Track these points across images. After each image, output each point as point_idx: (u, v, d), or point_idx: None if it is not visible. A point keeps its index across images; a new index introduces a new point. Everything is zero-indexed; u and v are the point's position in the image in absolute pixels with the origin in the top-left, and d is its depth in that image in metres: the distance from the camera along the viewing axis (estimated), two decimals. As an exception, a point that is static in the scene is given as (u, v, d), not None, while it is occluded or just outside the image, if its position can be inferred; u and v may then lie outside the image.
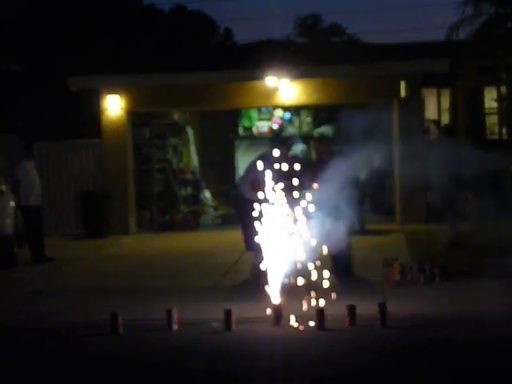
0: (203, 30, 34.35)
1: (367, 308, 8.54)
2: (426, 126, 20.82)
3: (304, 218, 9.34)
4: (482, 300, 9.52)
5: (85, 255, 15.02)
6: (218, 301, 9.65)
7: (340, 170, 11.72)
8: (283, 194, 9.30)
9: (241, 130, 21.40)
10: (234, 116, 21.30)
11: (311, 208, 9.44)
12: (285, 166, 9.77)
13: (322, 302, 8.59)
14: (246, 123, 21.28)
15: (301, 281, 9.03)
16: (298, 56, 19.00)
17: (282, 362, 7.25)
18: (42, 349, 8.15)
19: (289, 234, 9.18)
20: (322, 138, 13.80)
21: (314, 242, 9.30)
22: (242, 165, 17.34)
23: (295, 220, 9.28)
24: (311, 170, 12.04)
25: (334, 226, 10.52)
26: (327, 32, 41.04)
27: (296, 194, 9.43)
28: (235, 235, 12.84)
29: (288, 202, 9.29)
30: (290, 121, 21.27)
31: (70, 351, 8.00)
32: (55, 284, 12.06)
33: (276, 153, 11.26)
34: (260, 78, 17.50)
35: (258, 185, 11.10)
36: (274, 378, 6.89)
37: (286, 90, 17.75)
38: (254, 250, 11.07)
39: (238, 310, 8.65)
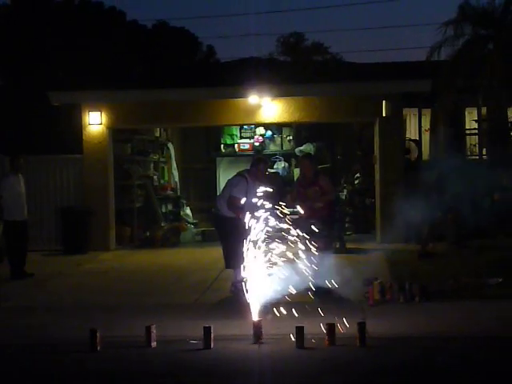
0: (186, 47, 34.43)
1: (347, 327, 8.54)
2: (407, 145, 20.93)
3: (284, 236, 9.38)
4: (461, 320, 9.56)
5: (64, 271, 14.93)
6: (198, 318, 9.62)
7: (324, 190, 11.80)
8: (263, 211, 9.33)
9: (222, 147, 21.43)
10: (216, 133, 21.35)
11: (292, 226, 9.49)
12: (264, 184, 9.81)
13: (301, 321, 8.59)
14: (228, 140, 21.32)
15: (281, 298, 9.07)
16: (281, 74, 19.05)
17: (261, 381, 7.24)
18: (19, 365, 8.09)
19: (269, 252, 9.21)
20: (307, 157, 13.85)
21: (294, 260, 9.34)
22: (223, 182, 17.32)
23: (275, 238, 9.31)
24: (295, 188, 12.09)
25: (316, 243, 10.55)
26: (310, 50, 41.19)
27: (275, 212, 9.45)
28: (215, 252, 12.85)
29: (267, 218, 9.32)
30: (272, 139, 21.33)
31: (47, 368, 7.95)
32: (34, 300, 11.97)
33: (256, 171, 11.34)
34: (242, 95, 17.52)
35: (236, 202, 11.17)
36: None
37: (268, 107, 17.78)
38: (234, 267, 11.09)
39: (218, 328, 8.63)
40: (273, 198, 9.82)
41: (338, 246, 15.25)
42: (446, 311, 10.08)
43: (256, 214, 9.30)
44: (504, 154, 18.40)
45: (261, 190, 9.79)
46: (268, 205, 9.46)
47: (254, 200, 9.60)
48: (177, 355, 8.26)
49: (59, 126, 21.54)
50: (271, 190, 10.18)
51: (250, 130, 21.16)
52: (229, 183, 11.88)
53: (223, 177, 19.43)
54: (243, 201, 10.87)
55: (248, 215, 9.34)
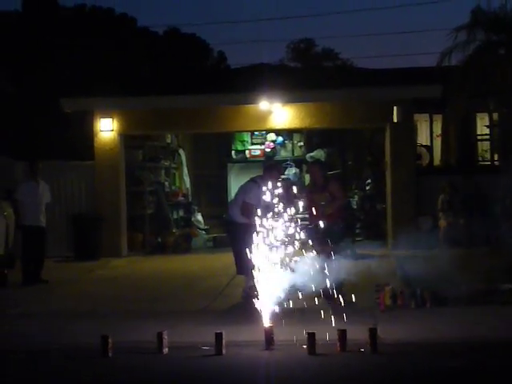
0: (197, 53, 34.48)
1: (358, 333, 8.53)
2: (419, 151, 20.91)
3: (295, 242, 9.39)
4: (473, 326, 9.54)
5: (76, 277, 14.98)
6: (209, 324, 9.62)
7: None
8: (274, 217, 9.34)
9: (234, 154, 21.43)
10: (227, 139, 21.35)
11: (303, 232, 9.50)
12: (276, 190, 9.81)
13: (312, 326, 8.58)
14: (239, 146, 21.32)
15: (292, 304, 9.07)
16: (291, 80, 19.04)
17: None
18: (30, 371, 8.11)
19: (280, 257, 9.22)
20: (317, 162, 13.84)
21: (305, 266, 9.34)
22: (234, 188, 17.35)
23: (287, 243, 9.32)
24: (305, 194, 12.08)
25: (326, 249, 10.55)
26: (320, 56, 41.23)
27: (287, 217, 9.45)
28: (227, 258, 12.85)
29: (279, 224, 9.33)
30: (283, 145, 21.33)
31: (59, 374, 7.97)
32: (45, 306, 12.00)
33: (268, 177, 11.34)
34: (253, 101, 17.55)
35: (249, 208, 11.16)
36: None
37: (278, 113, 17.80)
38: (246, 274, 11.09)
39: (229, 334, 8.62)
40: (285, 203, 9.81)
41: (348, 251, 15.21)
42: (458, 317, 10.05)
43: (268, 219, 9.29)
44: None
45: (274, 195, 9.77)
46: (280, 210, 9.46)
47: (267, 206, 9.59)
48: (188, 361, 8.27)
49: (71, 131, 21.61)
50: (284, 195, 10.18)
51: (261, 136, 21.16)
52: (241, 189, 11.88)
53: (234, 183, 19.43)
54: (256, 206, 10.87)
55: (260, 221, 9.33)
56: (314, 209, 11.42)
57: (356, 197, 19.70)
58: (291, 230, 9.39)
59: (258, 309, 9.08)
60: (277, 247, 9.19)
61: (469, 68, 19.71)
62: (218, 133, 19.86)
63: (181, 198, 20.89)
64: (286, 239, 9.31)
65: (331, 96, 17.71)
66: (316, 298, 10.47)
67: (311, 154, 20.47)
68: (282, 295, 9.09)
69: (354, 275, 11.13)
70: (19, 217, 14.19)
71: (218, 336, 8.43)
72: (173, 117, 18.07)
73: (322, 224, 10.95)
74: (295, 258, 9.32)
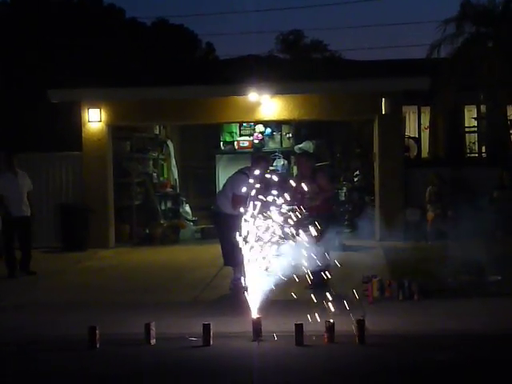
0: (185, 44, 34.39)
1: (346, 324, 8.55)
2: (407, 143, 20.94)
3: (284, 234, 9.37)
4: (460, 318, 9.56)
5: (63, 268, 14.94)
6: (197, 315, 9.62)
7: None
8: (263, 208, 9.32)
9: (222, 145, 21.40)
10: (216, 130, 21.31)
11: (291, 223, 9.49)
12: (265, 182, 9.80)
13: (300, 318, 8.59)
14: (227, 138, 21.29)
15: (280, 295, 9.08)
16: (280, 72, 19.02)
17: (260, 378, 7.24)
18: (17, 363, 8.09)
19: (268, 249, 9.21)
20: (304, 154, 13.82)
21: (293, 258, 9.33)
22: (222, 179, 17.31)
23: (275, 234, 9.31)
24: (292, 185, 12.07)
25: (314, 241, 10.54)
26: (309, 48, 41.16)
27: (275, 209, 9.44)
28: (214, 249, 12.84)
29: (267, 216, 9.32)
30: (271, 136, 21.30)
31: (46, 365, 7.95)
32: (32, 297, 11.98)
33: (256, 168, 11.32)
34: (242, 93, 17.51)
35: (240, 201, 11.15)
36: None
37: (267, 105, 17.78)
38: (233, 265, 11.10)
39: (217, 325, 8.63)
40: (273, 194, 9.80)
41: (336, 243, 15.21)
42: (446, 309, 10.08)
43: (256, 210, 9.28)
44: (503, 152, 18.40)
45: (263, 186, 9.76)
46: (268, 201, 9.45)
47: (256, 196, 9.58)
48: (176, 352, 8.27)
49: (58, 123, 21.50)
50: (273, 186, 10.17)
51: (250, 127, 21.12)
52: (230, 181, 11.84)
53: (223, 174, 19.40)
54: (245, 197, 10.87)
55: (249, 212, 9.32)
56: (300, 201, 11.41)
57: (344, 188, 19.71)
58: (279, 221, 9.38)
59: (246, 300, 9.08)
60: (265, 238, 9.19)
61: (457, 61, 19.75)
62: (206, 124, 19.80)
63: (169, 190, 20.84)
64: (275, 230, 9.30)
65: (320, 88, 17.69)
66: (304, 289, 10.49)
67: (299, 145, 20.46)
68: (270, 286, 9.09)
69: (342, 266, 11.16)
70: (6, 210, 14.11)
71: (206, 327, 8.43)
72: (161, 108, 18.02)
73: (309, 215, 10.97)
74: (283, 249, 9.30)
